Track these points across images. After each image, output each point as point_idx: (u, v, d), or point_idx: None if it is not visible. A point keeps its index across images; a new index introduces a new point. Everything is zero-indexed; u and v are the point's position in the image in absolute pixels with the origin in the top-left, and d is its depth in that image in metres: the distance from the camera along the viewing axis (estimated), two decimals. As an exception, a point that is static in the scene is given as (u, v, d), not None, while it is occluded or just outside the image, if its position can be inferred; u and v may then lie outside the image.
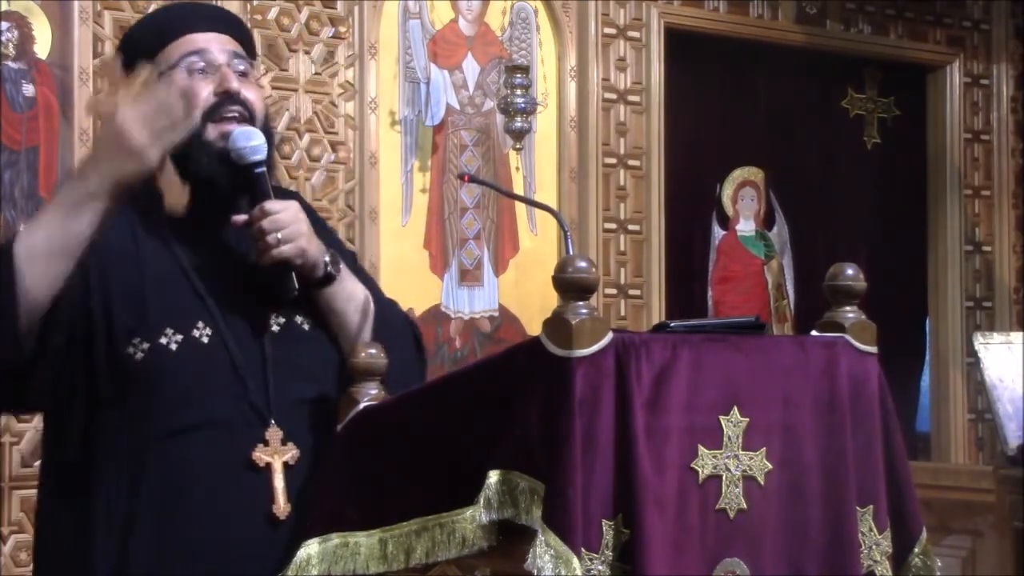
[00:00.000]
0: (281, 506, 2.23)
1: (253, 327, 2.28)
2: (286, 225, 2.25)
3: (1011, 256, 6.82)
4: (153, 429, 2.20)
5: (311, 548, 2.13)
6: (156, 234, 2.26)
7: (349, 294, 2.36)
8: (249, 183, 2.27)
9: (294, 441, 2.26)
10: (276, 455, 2.25)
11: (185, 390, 2.21)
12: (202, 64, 2.29)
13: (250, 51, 2.42)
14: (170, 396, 2.20)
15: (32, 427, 4.28)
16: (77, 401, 2.20)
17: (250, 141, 2.26)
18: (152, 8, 4.67)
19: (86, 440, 2.21)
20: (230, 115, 2.28)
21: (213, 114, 2.27)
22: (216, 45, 2.32)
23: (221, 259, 2.30)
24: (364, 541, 2.09)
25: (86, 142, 4.47)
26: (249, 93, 2.32)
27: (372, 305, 2.38)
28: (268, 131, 2.34)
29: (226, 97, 2.28)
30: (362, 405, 2.20)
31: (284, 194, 2.41)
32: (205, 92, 2.28)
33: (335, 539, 2.12)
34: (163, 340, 2.21)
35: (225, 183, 2.26)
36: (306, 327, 2.34)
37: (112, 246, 2.22)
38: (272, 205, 2.25)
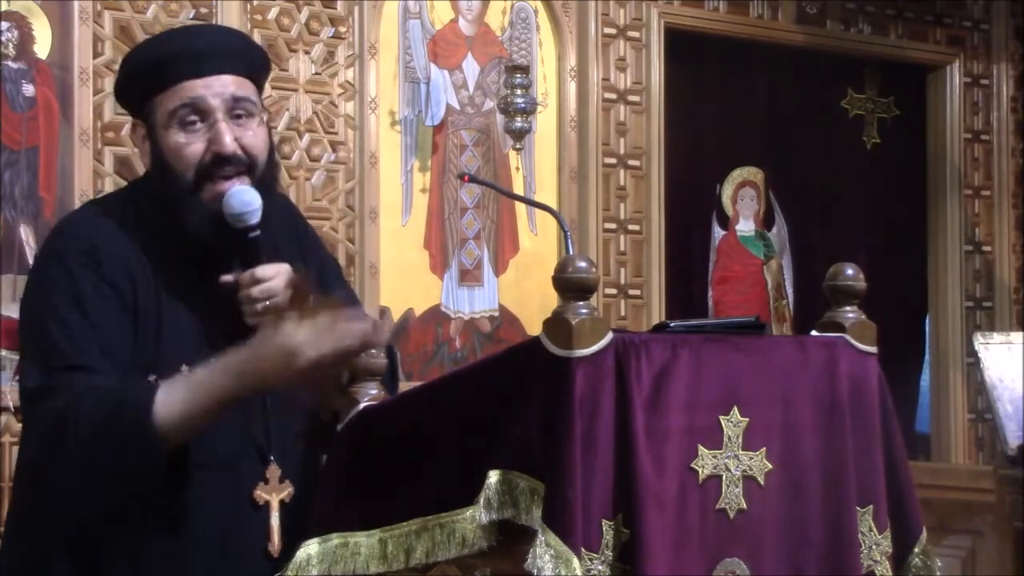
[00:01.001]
0: (276, 544, 2.24)
1: None
2: (276, 293, 2.20)
3: (1011, 256, 6.82)
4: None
5: (311, 548, 2.12)
6: (168, 270, 2.23)
7: None
8: (242, 245, 2.20)
9: (289, 478, 2.27)
10: (274, 493, 2.26)
11: None
12: (194, 117, 2.21)
13: (258, 76, 2.33)
14: None
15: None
16: None
17: (246, 207, 2.20)
18: (151, 9, 4.67)
19: None
20: (225, 174, 2.21)
21: (207, 173, 2.21)
22: (216, 89, 2.22)
23: (222, 297, 2.25)
24: (364, 541, 2.09)
25: (86, 142, 4.47)
26: (248, 138, 2.23)
27: None
28: (272, 167, 2.28)
29: (217, 158, 2.20)
30: (362, 405, 2.20)
31: (279, 200, 2.39)
32: (199, 148, 2.21)
33: (335, 539, 2.12)
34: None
35: (219, 245, 2.21)
36: None
37: (136, 279, 2.21)
38: (264, 271, 2.20)
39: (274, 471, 2.26)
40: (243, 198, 2.20)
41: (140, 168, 4.49)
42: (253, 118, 2.26)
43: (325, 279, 2.42)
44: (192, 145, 2.21)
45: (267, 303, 2.19)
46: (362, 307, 2.54)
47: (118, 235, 2.24)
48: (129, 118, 2.37)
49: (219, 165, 2.20)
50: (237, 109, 2.24)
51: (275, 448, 2.26)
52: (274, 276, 2.21)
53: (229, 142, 2.21)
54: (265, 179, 2.26)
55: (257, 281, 2.20)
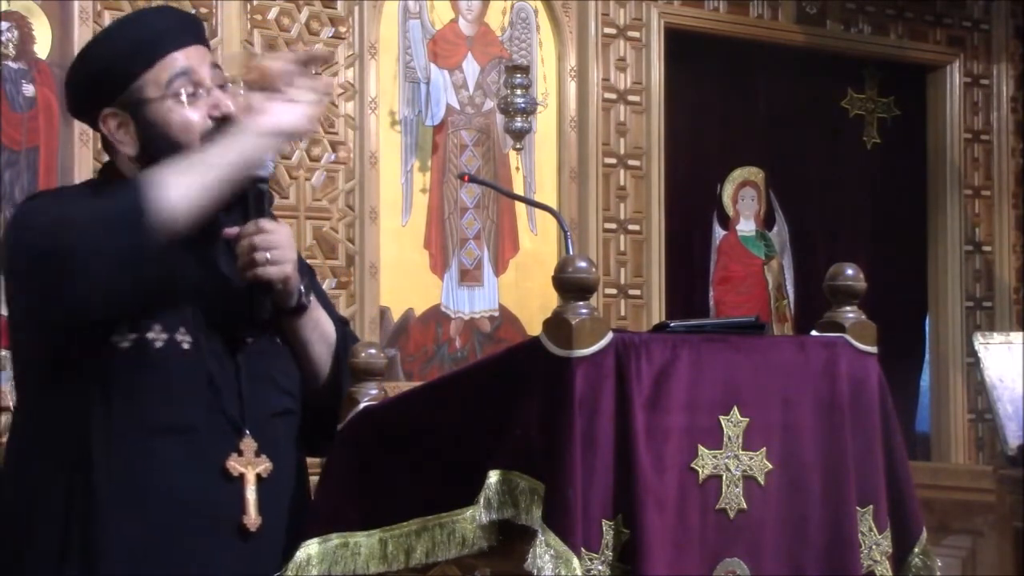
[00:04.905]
0: (252, 518, 2.22)
1: (229, 340, 2.26)
2: (277, 246, 2.23)
3: (1011, 256, 6.82)
4: (128, 423, 2.18)
5: (311, 548, 2.13)
6: None
7: (315, 324, 2.35)
8: (246, 198, 2.23)
9: (267, 454, 2.25)
10: (250, 466, 2.23)
11: (164, 389, 2.20)
12: (191, 88, 2.26)
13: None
14: (149, 392, 2.19)
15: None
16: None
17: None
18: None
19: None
20: None
21: (211, 137, 2.24)
22: (197, 60, 2.29)
23: (205, 270, 2.27)
24: (364, 541, 2.09)
25: (86, 142, 4.47)
26: (236, 107, 2.28)
27: (335, 338, 2.37)
28: None
29: (222, 121, 2.25)
30: (362, 405, 2.20)
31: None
32: (199, 117, 2.26)
33: (335, 539, 2.12)
34: (150, 335, 2.20)
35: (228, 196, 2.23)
36: (279, 341, 2.34)
37: None
38: (268, 223, 2.24)
39: (249, 444, 2.24)
40: None
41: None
42: (229, 88, 2.33)
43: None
44: (197, 116, 2.26)
45: (267, 255, 2.21)
46: (332, 305, 2.54)
47: None
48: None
49: (222, 127, 2.24)
50: (217, 78, 2.31)
51: (252, 422, 2.25)
52: (277, 230, 2.24)
53: (231, 104, 2.27)
54: None
55: (261, 230, 2.22)
